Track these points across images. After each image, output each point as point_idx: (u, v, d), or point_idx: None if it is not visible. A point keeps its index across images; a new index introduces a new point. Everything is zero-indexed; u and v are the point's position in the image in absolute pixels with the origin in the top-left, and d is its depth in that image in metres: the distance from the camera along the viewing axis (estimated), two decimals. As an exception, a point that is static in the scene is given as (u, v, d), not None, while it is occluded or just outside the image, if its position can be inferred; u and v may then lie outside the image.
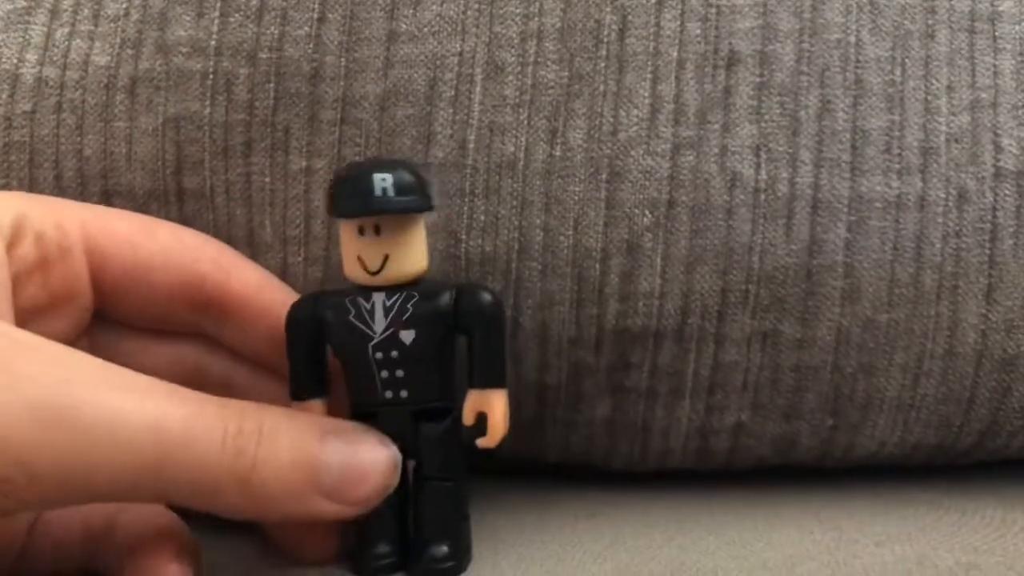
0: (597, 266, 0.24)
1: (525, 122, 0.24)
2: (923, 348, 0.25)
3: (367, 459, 0.20)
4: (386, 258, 0.21)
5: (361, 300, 0.21)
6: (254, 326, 0.22)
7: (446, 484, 0.21)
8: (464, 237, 0.24)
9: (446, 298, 0.21)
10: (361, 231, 0.21)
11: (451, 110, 0.24)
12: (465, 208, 0.24)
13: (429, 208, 0.21)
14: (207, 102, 0.25)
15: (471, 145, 0.24)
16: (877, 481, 0.27)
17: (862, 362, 0.25)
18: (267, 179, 0.25)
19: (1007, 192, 0.24)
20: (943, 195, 0.24)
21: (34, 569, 0.21)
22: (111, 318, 0.22)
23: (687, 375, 0.25)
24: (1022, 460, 0.27)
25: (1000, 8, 0.25)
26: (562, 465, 0.28)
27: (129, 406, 0.17)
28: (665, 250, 0.24)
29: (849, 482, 0.27)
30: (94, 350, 0.22)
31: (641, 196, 0.24)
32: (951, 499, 0.26)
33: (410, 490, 0.22)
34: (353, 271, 0.21)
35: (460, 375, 0.22)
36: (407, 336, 0.21)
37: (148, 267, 0.22)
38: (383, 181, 0.20)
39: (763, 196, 0.24)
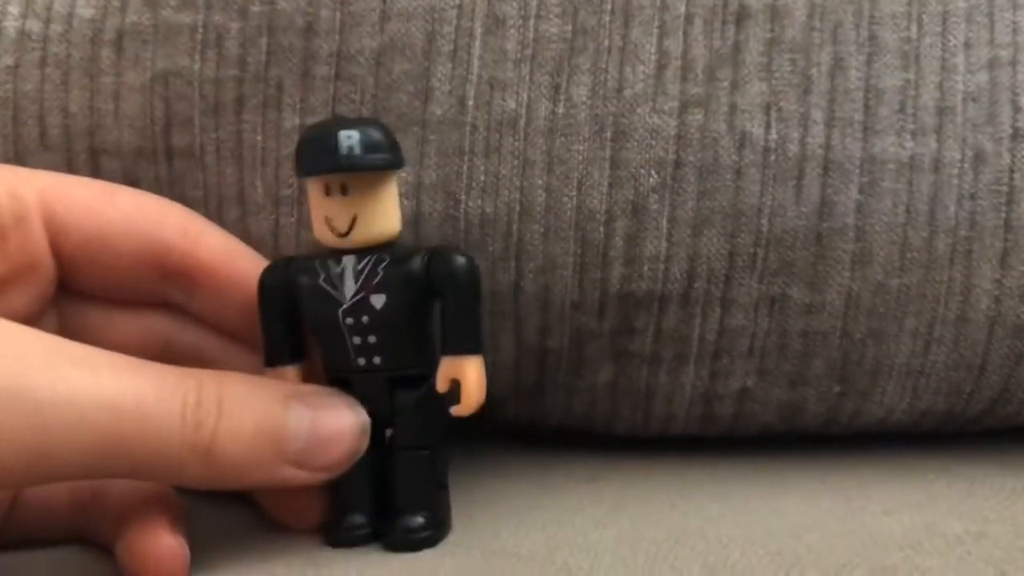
0: (601, 228, 0.24)
1: (527, 78, 0.24)
2: (935, 313, 0.24)
3: (334, 424, 0.20)
4: (354, 219, 0.20)
5: (331, 263, 0.21)
6: (223, 295, 0.22)
7: (422, 453, 0.21)
8: (463, 198, 0.24)
9: (418, 261, 0.20)
10: (328, 191, 0.20)
11: (450, 65, 0.24)
12: (464, 167, 0.24)
13: (398, 166, 0.21)
14: (197, 57, 0.24)
15: (470, 102, 0.24)
16: (885, 448, 0.27)
17: (872, 327, 0.24)
18: (259, 137, 0.24)
19: (1025, 153, 0.24)
20: (959, 156, 0.24)
21: (20, 539, 0.21)
22: (76, 290, 0.22)
23: (692, 340, 0.25)
24: (1032, 428, 0.27)
25: (1021, -39, 0.24)
26: (563, 430, 0.28)
27: (83, 383, 0.17)
28: (671, 212, 0.24)
29: (856, 449, 0.27)
30: (61, 323, 0.22)
31: (647, 156, 0.24)
32: (960, 467, 0.26)
33: (380, 461, 0.21)
34: (322, 233, 0.21)
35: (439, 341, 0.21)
36: (377, 300, 0.20)
37: (109, 235, 0.21)
38: (349, 139, 0.20)
39: (773, 156, 0.24)
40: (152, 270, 0.22)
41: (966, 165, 0.24)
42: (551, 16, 0.24)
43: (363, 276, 0.20)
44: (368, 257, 0.20)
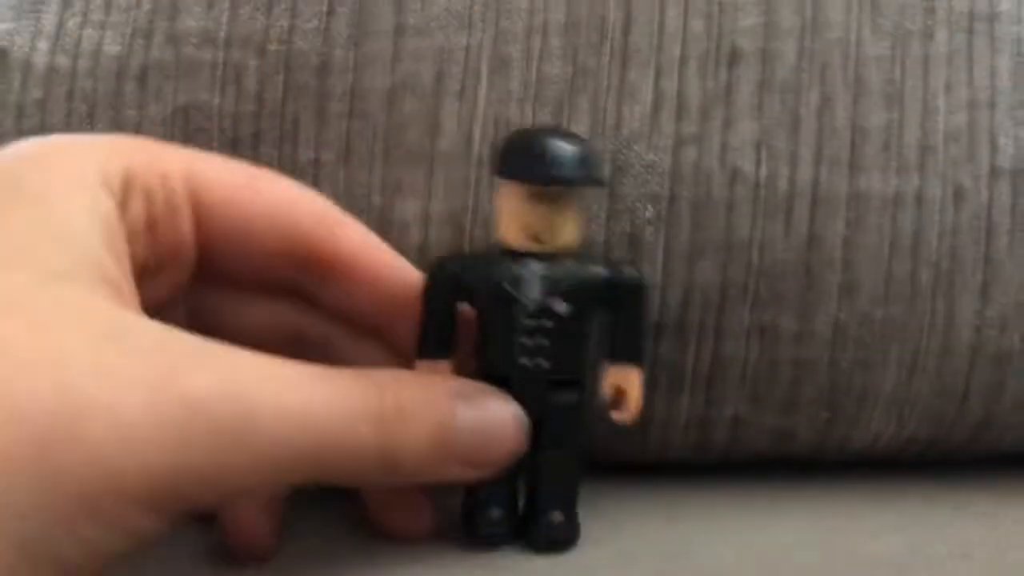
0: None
1: (530, 116, 0.24)
2: (919, 343, 0.25)
3: (498, 423, 0.20)
4: (552, 226, 0.20)
5: (515, 267, 0.21)
6: (356, 286, 0.21)
7: (568, 454, 0.21)
8: (468, 228, 0.24)
9: (599, 271, 0.21)
10: (533, 198, 0.20)
11: (458, 103, 0.24)
12: (470, 200, 0.24)
13: (602, 185, 0.22)
14: (216, 92, 0.25)
15: (476, 138, 0.24)
16: (872, 474, 0.27)
17: (858, 356, 0.25)
18: (275, 171, 0.24)
19: (1003, 190, 0.25)
20: (940, 193, 0.24)
21: None
22: (209, 274, 0.21)
23: (686, 367, 0.25)
24: (1015, 455, 0.27)
25: (998, 9, 0.25)
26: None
27: (292, 399, 0.17)
28: (666, 244, 0.24)
29: (845, 475, 0.27)
30: (191, 309, 0.21)
31: (643, 190, 0.24)
32: (944, 492, 0.26)
33: (524, 459, 0.21)
34: (515, 237, 0.21)
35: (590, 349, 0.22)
36: (561, 307, 0.20)
37: (252, 224, 0.21)
38: (564, 150, 0.20)
39: (763, 192, 0.24)
40: (289, 259, 0.21)
41: (947, 201, 0.24)
42: (553, 58, 0.24)
43: (548, 282, 0.20)
44: (554, 263, 0.21)
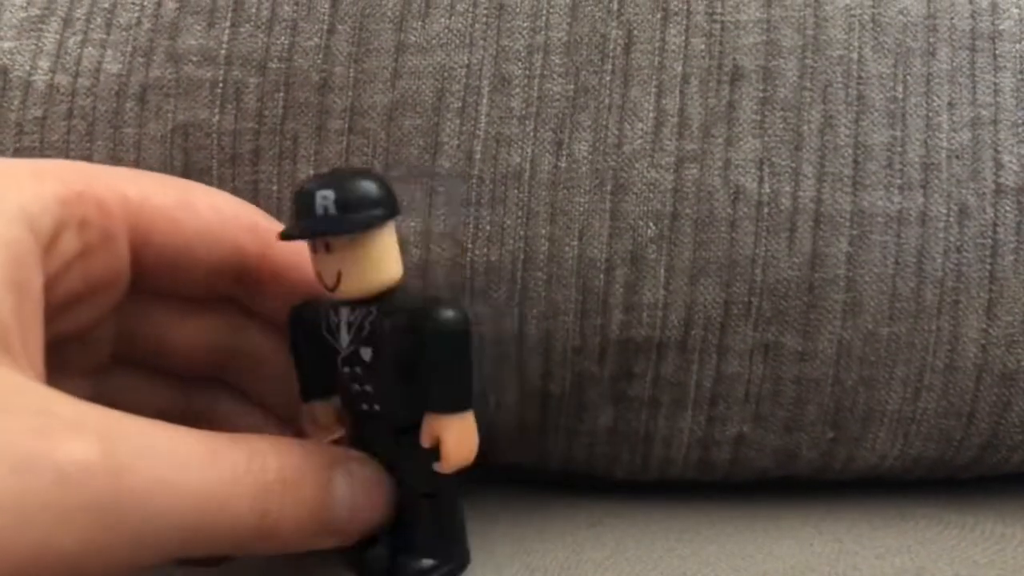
0: (601, 276, 0.24)
1: (531, 134, 0.24)
2: (924, 362, 0.25)
3: (371, 496, 0.20)
4: (339, 275, 0.19)
5: (331, 313, 0.21)
6: (290, 296, 0.22)
7: (427, 499, 0.21)
8: (470, 246, 0.24)
9: (405, 316, 0.20)
10: (314, 248, 0.20)
11: (458, 121, 0.24)
12: (471, 218, 0.24)
13: (375, 223, 0.19)
14: (216, 110, 0.25)
15: (478, 156, 0.24)
16: (877, 494, 0.27)
17: (863, 375, 0.25)
18: (275, 187, 0.25)
19: (1007, 208, 0.25)
20: (944, 210, 0.24)
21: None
22: (143, 290, 0.21)
23: (690, 386, 0.25)
24: (1022, 474, 0.27)
25: (1001, 27, 0.25)
26: (564, 474, 0.28)
27: (173, 478, 0.16)
28: (669, 262, 0.24)
29: (850, 495, 0.27)
30: (125, 325, 0.21)
31: (645, 208, 0.24)
32: (951, 513, 0.26)
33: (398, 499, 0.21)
34: (318, 286, 0.20)
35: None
36: (366, 353, 0.20)
37: (188, 243, 0.20)
38: (324, 199, 0.19)
39: (766, 209, 0.24)
40: (225, 274, 0.21)
41: (951, 219, 0.24)
42: (555, 76, 0.24)
43: (354, 328, 0.20)
44: (360, 310, 0.20)
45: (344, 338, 0.20)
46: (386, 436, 0.21)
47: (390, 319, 0.20)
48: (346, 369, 0.20)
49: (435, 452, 0.20)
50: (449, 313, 0.20)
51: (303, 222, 0.19)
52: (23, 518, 0.14)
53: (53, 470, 0.15)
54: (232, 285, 0.22)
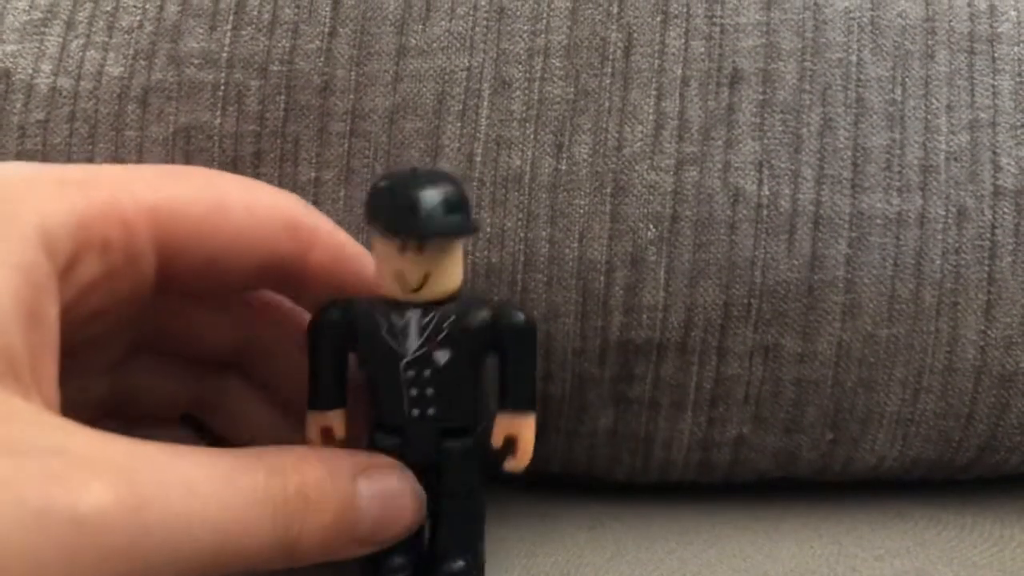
0: (602, 278, 0.24)
1: (531, 136, 0.24)
2: (923, 363, 0.25)
3: (397, 499, 0.20)
4: (427, 276, 0.19)
5: (394, 316, 0.20)
6: (329, 290, 0.21)
7: (465, 500, 0.21)
8: (471, 249, 0.24)
9: (482, 317, 0.20)
10: (403, 248, 0.19)
11: (459, 124, 0.24)
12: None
13: (473, 231, 0.21)
14: (218, 113, 0.25)
15: (478, 158, 0.24)
16: (877, 495, 0.27)
17: (862, 376, 0.25)
18: None
19: (1006, 210, 0.25)
20: (943, 212, 0.25)
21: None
22: (168, 291, 0.20)
23: (690, 387, 0.25)
24: (1020, 476, 0.27)
25: (999, 30, 0.25)
26: (565, 475, 0.28)
27: (192, 508, 0.16)
28: (669, 263, 0.24)
29: (849, 496, 0.27)
30: (145, 324, 0.21)
31: (645, 210, 0.24)
32: (949, 514, 0.26)
33: (427, 504, 0.21)
34: (390, 286, 0.20)
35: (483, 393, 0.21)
36: (441, 356, 0.20)
37: (222, 253, 0.19)
38: (432, 199, 0.19)
39: (765, 212, 0.24)
40: (263, 277, 0.20)
41: (950, 221, 0.24)
42: (555, 79, 0.25)
43: (428, 331, 0.20)
44: (433, 312, 0.20)
45: (413, 341, 0.20)
46: (430, 440, 0.21)
47: (467, 321, 0.20)
48: (410, 373, 0.20)
49: (502, 450, 0.20)
50: (523, 315, 0.20)
51: (410, 222, 0.19)
52: (42, 566, 0.14)
53: (71, 517, 0.14)
54: (271, 285, 0.21)
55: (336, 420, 0.21)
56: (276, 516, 0.17)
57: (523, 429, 0.20)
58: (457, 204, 0.19)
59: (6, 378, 0.16)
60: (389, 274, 0.20)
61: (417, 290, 0.20)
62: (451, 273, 0.20)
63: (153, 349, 0.22)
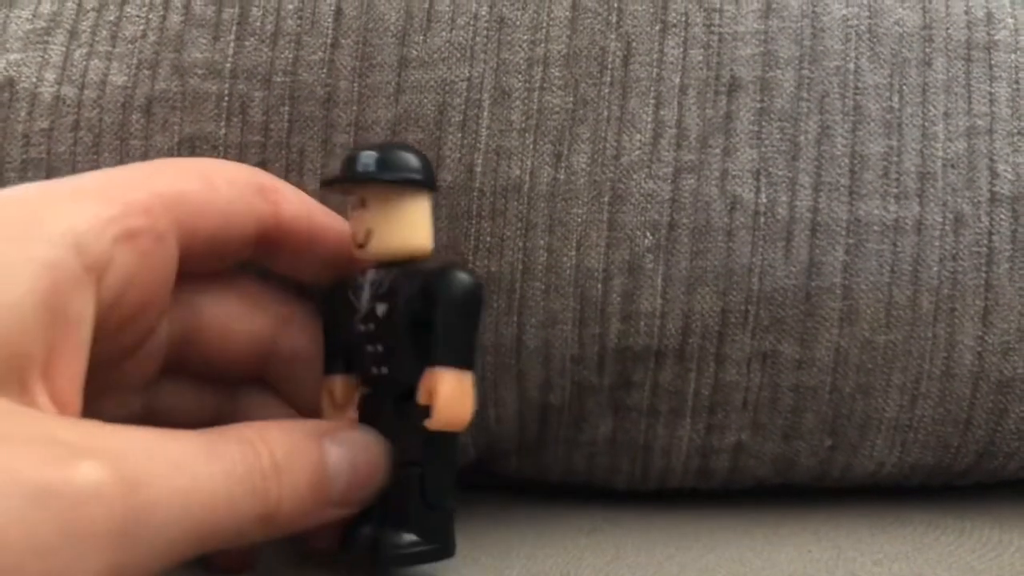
0: (599, 286, 0.24)
1: (531, 146, 0.25)
2: (920, 369, 0.25)
3: (367, 461, 0.20)
4: (369, 232, 0.20)
5: (358, 276, 0.21)
6: (305, 252, 0.22)
7: (412, 469, 0.21)
8: (471, 258, 0.25)
9: (421, 275, 0.20)
10: (353, 205, 0.21)
11: (459, 134, 0.25)
12: (472, 229, 0.25)
13: (409, 183, 0.20)
14: (222, 123, 0.25)
15: (478, 169, 0.25)
16: (875, 501, 0.27)
17: (860, 383, 0.25)
18: None
19: (1003, 217, 0.25)
20: (940, 219, 0.25)
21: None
22: (183, 279, 0.21)
23: (688, 394, 0.25)
24: (1018, 481, 0.28)
25: (996, 37, 0.25)
26: (565, 485, 0.28)
27: (181, 485, 0.16)
28: (666, 271, 0.24)
29: (848, 502, 0.27)
30: (173, 335, 0.21)
31: (643, 218, 0.24)
32: (948, 519, 0.26)
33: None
34: (352, 248, 0.21)
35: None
36: (381, 309, 0.21)
37: (222, 224, 0.21)
38: (368, 156, 0.20)
39: (763, 219, 0.24)
40: (247, 241, 0.21)
41: (947, 227, 0.25)
42: (554, 88, 0.25)
43: (375, 286, 0.21)
44: (384, 270, 0.21)
45: (365, 297, 0.21)
46: (388, 404, 0.21)
47: (408, 277, 0.21)
48: (361, 327, 0.21)
49: (428, 411, 0.20)
50: (463, 275, 0.20)
51: (354, 169, 0.20)
52: (42, 547, 0.14)
53: (68, 496, 0.15)
54: (253, 250, 0.22)
55: (336, 384, 0.21)
56: (255, 486, 0.18)
57: (441, 383, 0.19)
58: (397, 164, 0.20)
59: (5, 376, 0.16)
60: (350, 235, 0.21)
61: (362, 246, 0.21)
62: (399, 231, 0.21)
63: (181, 369, 0.22)
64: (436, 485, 0.21)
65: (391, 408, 0.21)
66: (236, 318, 0.22)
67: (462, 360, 0.20)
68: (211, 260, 0.21)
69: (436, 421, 0.19)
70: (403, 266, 0.21)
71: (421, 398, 0.20)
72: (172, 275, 0.20)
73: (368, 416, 0.21)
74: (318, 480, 0.19)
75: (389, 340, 0.21)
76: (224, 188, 0.21)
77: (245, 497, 0.17)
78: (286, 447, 0.19)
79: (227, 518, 0.17)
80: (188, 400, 0.23)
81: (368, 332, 0.21)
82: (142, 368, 0.21)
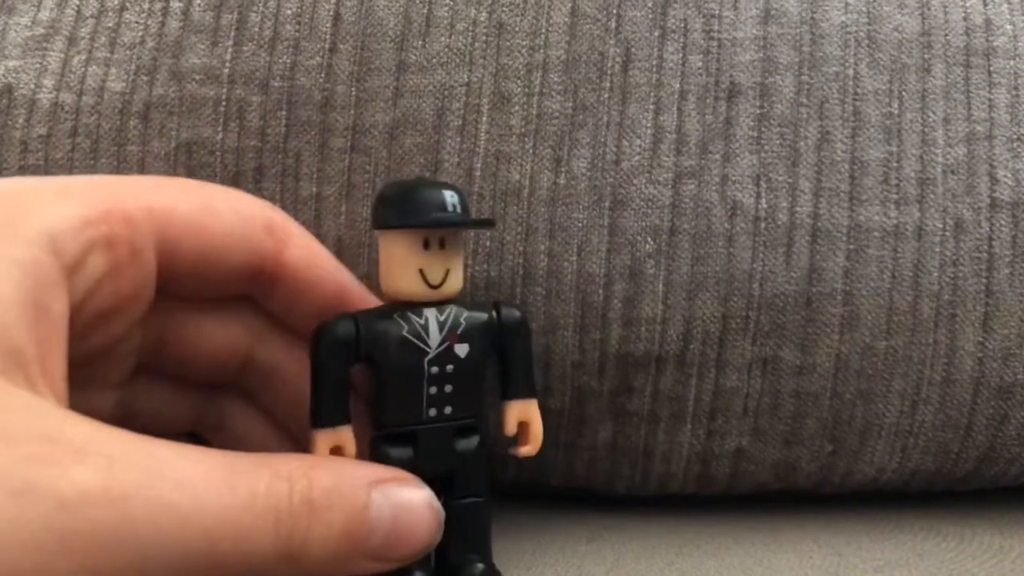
0: (600, 291, 0.24)
1: (530, 151, 0.25)
2: (921, 375, 0.25)
3: (413, 518, 0.19)
4: (447, 272, 0.21)
5: (412, 316, 0.21)
6: (303, 295, 0.22)
7: (480, 500, 0.21)
8: (471, 263, 0.25)
9: (488, 312, 0.21)
10: (426, 245, 0.20)
11: (458, 139, 0.25)
12: (472, 234, 0.25)
13: (493, 225, 0.23)
14: (219, 128, 0.25)
15: (477, 173, 0.25)
16: (876, 507, 0.27)
17: (861, 389, 0.25)
18: (277, 204, 0.25)
19: (1003, 222, 0.25)
20: (940, 225, 0.25)
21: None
22: (167, 296, 0.21)
23: (688, 400, 0.25)
24: (1019, 487, 0.27)
25: (995, 44, 0.25)
26: (564, 489, 0.28)
27: (177, 501, 0.16)
28: (667, 276, 0.24)
29: (848, 508, 0.27)
30: (149, 336, 0.21)
31: (643, 223, 0.24)
32: (949, 525, 0.26)
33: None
34: (410, 285, 0.20)
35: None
36: (461, 350, 0.21)
37: (213, 252, 0.20)
38: (452, 197, 0.20)
39: (763, 224, 0.24)
40: (244, 273, 0.21)
41: (947, 233, 0.25)
42: (553, 93, 0.25)
43: (447, 326, 0.21)
44: (448, 309, 0.21)
45: (435, 338, 0.21)
46: (446, 442, 0.21)
47: (478, 315, 0.21)
48: (433, 370, 0.21)
49: (514, 439, 0.22)
50: (518, 311, 0.22)
51: (441, 215, 0.20)
52: (23, 543, 0.14)
53: (54, 497, 0.15)
54: (248, 283, 0.21)
55: (346, 437, 0.21)
56: (279, 522, 0.17)
57: (533, 414, 0.22)
58: (465, 204, 0.21)
59: (10, 369, 0.16)
60: (408, 274, 0.21)
61: (438, 286, 0.21)
62: (461, 271, 0.21)
63: (157, 370, 0.22)
64: (489, 516, 0.22)
65: (450, 445, 0.21)
66: (210, 325, 0.22)
67: (536, 390, 0.22)
68: (196, 283, 0.21)
69: (534, 448, 0.22)
70: (456, 304, 0.21)
71: (510, 429, 0.22)
72: (147, 288, 0.20)
73: (420, 461, 0.21)
74: (356, 528, 0.18)
75: (464, 379, 0.21)
76: (225, 215, 0.21)
77: (262, 530, 0.17)
78: (328, 486, 0.18)
79: (235, 548, 0.17)
80: (166, 400, 0.22)
81: (441, 375, 0.21)
82: (116, 367, 0.21)
